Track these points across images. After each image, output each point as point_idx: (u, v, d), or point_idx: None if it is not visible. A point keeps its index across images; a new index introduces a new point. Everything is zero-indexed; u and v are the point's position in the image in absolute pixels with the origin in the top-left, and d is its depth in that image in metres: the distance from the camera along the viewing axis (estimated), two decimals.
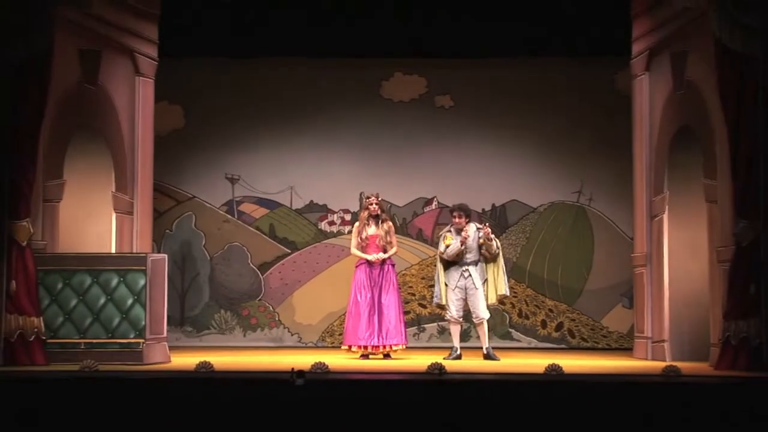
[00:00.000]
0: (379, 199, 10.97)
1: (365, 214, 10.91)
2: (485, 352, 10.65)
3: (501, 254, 10.80)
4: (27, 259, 9.26)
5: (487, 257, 10.71)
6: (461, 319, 10.83)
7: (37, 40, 9.26)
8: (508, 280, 10.90)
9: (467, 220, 10.74)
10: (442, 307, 10.89)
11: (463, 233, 10.66)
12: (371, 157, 13.53)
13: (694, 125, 10.20)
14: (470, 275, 10.66)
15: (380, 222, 10.89)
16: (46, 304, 9.50)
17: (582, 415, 7.34)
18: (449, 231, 10.79)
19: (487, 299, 10.71)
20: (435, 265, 11.19)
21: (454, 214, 10.75)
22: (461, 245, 10.64)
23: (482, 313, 10.66)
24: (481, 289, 10.66)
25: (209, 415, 7.36)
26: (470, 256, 10.69)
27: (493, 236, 10.70)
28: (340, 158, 13.54)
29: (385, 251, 10.84)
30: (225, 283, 13.49)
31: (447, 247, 10.69)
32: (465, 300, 10.71)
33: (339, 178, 13.51)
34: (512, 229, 13.50)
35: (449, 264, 10.75)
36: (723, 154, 9.45)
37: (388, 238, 10.85)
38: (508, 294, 10.86)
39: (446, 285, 10.76)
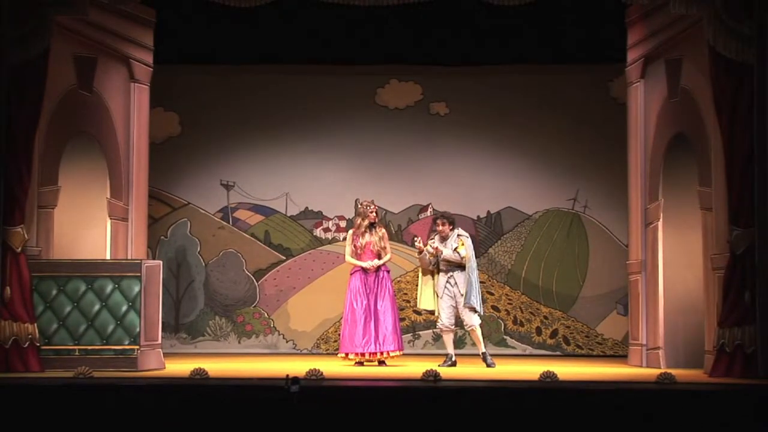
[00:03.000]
0: (376, 206, 11.00)
1: (365, 222, 10.88)
2: (482, 356, 10.64)
3: (472, 266, 10.64)
4: (21, 265, 9.25)
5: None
6: (453, 326, 10.81)
7: (33, 46, 9.27)
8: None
9: (451, 227, 10.76)
10: (432, 312, 10.91)
11: (417, 244, 10.72)
12: (366, 164, 13.53)
13: (689, 132, 10.22)
14: (456, 283, 10.65)
15: (375, 229, 10.90)
16: (40, 310, 9.50)
17: (577, 423, 7.34)
18: (432, 239, 10.83)
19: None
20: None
21: (438, 221, 10.82)
22: (419, 253, 10.75)
23: (469, 320, 10.62)
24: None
25: (204, 422, 7.36)
26: (451, 263, 10.67)
27: (447, 248, 10.58)
28: (335, 165, 13.54)
29: (379, 257, 10.84)
30: (220, 290, 13.47)
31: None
32: (456, 308, 10.70)
33: (334, 185, 13.51)
34: (507, 236, 13.50)
35: (438, 270, 10.77)
36: (718, 162, 9.46)
37: (383, 244, 10.86)
38: (474, 306, 10.55)
39: (436, 294, 10.76)
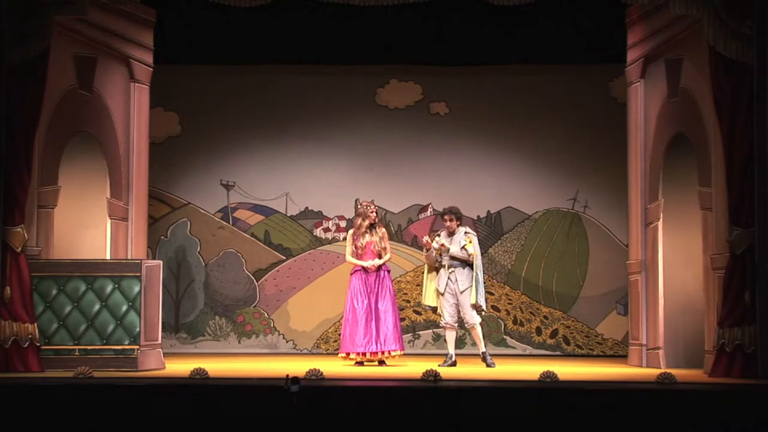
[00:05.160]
0: (376, 206, 11.00)
1: (365, 222, 10.88)
2: (482, 356, 10.65)
3: (478, 264, 10.68)
4: (21, 265, 9.25)
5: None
6: (456, 325, 10.81)
7: (33, 46, 9.27)
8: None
9: (458, 223, 10.78)
10: (434, 309, 10.93)
11: (425, 241, 10.77)
12: (366, 164, 13.53)
13: (689, 132, 10.22)
14: (456, 279, 10.66)
15: (375, 229, 10.91)
16: (40, 310, 9.50)
17: (577, 423, 7.34)
18: (438, 234, 10.84)
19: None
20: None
21: (445, 217, 10.83)
22: (425, 251, 10.79)
23: (470, 318, 10.63)
24: (467, 293, 10.63)
25: (204, 422, 7.36)
26: (455, 260, 10.69)
27: (453, 244, 10.64)
28: (335, 165, 13.54)
29: (379, 257, 10.85)
30: (220, 290, 13.48)
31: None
32: (457, 305, 10.70)
33: (334, 185, 13.51)
34: (507, 235, 13.50)
35: (440, 267, 10.78)
36: (717, 162, 9.47)
37: (383, 244, 10.87)
38: (481, 305, 10.63)
39: (437, 290, 10.77)
